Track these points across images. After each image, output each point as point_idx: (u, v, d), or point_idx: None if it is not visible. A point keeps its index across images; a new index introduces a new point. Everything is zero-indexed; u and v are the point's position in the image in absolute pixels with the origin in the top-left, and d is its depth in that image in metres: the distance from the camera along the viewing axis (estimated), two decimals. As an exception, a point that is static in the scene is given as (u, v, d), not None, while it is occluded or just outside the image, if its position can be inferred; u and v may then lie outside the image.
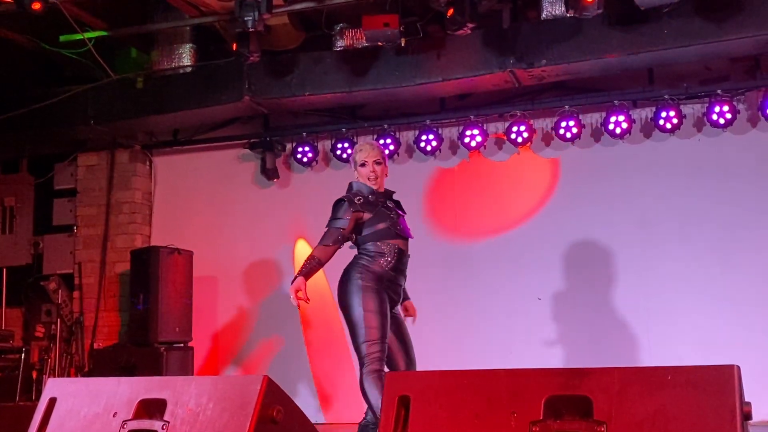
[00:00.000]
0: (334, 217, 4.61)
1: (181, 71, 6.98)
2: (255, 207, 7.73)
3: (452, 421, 2.25)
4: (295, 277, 4.56)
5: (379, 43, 6.13)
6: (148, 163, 8.08)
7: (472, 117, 6.95)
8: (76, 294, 7.80)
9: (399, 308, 4.72)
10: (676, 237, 6.61)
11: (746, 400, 2.09)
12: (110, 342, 7.54)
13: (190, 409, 2.57)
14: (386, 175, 4.79)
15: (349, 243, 4.75)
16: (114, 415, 2.70)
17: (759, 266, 6.40)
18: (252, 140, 7.63)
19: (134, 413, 2.68)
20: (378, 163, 4.71)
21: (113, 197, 7.89)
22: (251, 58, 6.02)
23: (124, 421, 2.67)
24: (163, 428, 2.59)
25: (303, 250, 7.45)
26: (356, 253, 4.68)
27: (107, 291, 7.77)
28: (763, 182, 6.49)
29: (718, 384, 2.07)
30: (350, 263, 4.64)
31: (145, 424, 2.65)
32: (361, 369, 4.44)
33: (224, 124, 7.75)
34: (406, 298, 4.79)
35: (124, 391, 2.75)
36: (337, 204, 4.63)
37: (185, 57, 6.95)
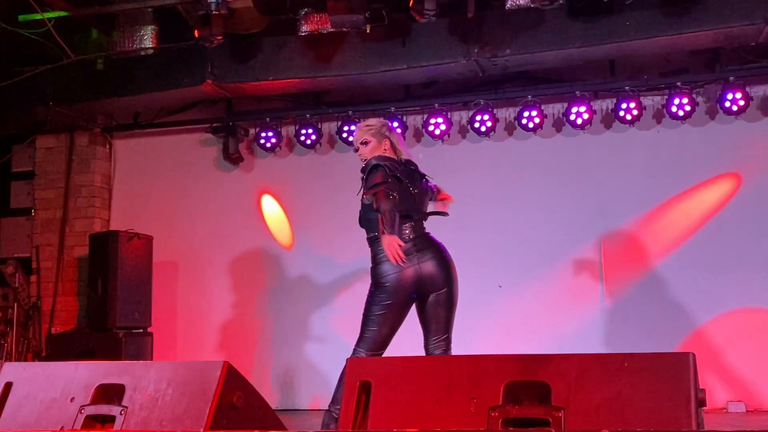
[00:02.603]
0: (378, 182, 4.46)
1: (143, 53, 6.87)
2: (216, 192, 7.68)
3: (412, 406, 2.27)
4: (388, 234, 4.35)
5: (345, 29, 6.10)
6: (107, 146, 7.97)
7: (436, 105, 6.97)
8: (33, 278, 7.68)
9: None
10: (636, 226, 6.70)
11: (702, 387, 2.12)
12: (68, 327, 7.46)
13: (149, 395, 2.55)
14: (364, 155, 4.70)
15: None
16: (71, 400, 2.67)
17: (715, 257, 6.52)
18: (214, 124, 7.56)
19: (92, 398, 2.65)
20: (364, 144, 4.69)
21: (72, 180, 7.78)
22: (214, 41, 5.96)
23: (82, 407, 2.64)
24: (121, 413, 2.56)
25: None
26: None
27: (65, 275, 7.67)
28: (720, 173, 6.60)
29: (674, 371, 2.11)
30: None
31: (103, 409, 2.62)
32: (450, 348, 4.57)
33: (186, 108, 7.67)
34: None
35: (82, 375, 2.71)
36: (374, 170, 4.53)
37: (147, 39, 6.84)
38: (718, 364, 6.19)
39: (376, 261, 4.53)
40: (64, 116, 7.43)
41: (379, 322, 4.46)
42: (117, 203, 7.94)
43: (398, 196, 4.45)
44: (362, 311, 4.56)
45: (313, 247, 7.34)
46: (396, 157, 4.68)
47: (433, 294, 4.54)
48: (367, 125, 4.77)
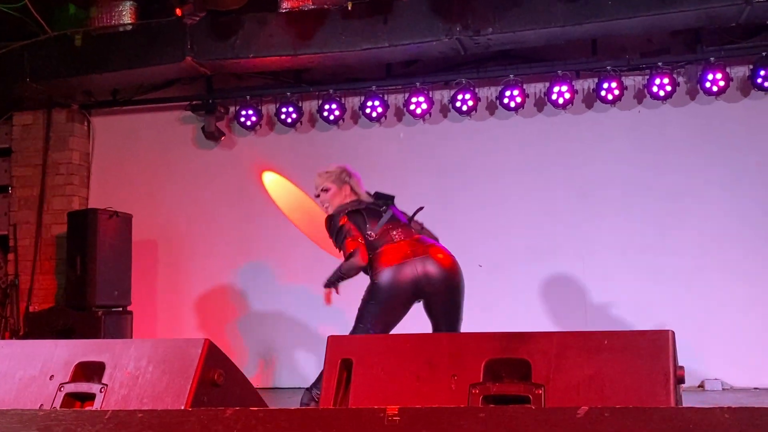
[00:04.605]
0: (338, 234, 4.78)
1: (121, 29, 6.79)
2: (196, 170, 7.63)
3: (393, 383, 2.27)
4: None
5: (326, 6, 6.06)
6: (86, 123, 7.90)
7: (417, 84, 6.95)
8: (11, 256, 7.62)
9: None
10: (616, 206, 6.74)
11: (679, 364, 2.14)
12: (46, 305, 7.41)
13: (129, 372, 2.54)
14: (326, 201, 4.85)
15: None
16: (51, 378, 2.65)
17: (695, 236, 6.57)
18: (194, 102, 7.50)
19: (71, 376, 2.63)
20: (325, 191, 4.84)
21: (50, 158, 7.70)
22: (196, 17, 5.89)
23: (61, 384, 2.62)
24: (101, 391, 2.55)
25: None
26: None
27: (43, 253, 7.61)
28: (700, 154, 6.65)
29: (653, 349, 2.12)
30: None
31: (82, 387, 2.60)
32: None
33: (165, 85, 7.60)
34: None
35: (62, 353, 2.69)
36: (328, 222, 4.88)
37: (125, 15, 6.77)
38: (695, 342, 6.25)
39: (371, 265, 4.64)
40: (41, 93, 7.35)
41: (372, 319, 4.52)
42: (95, 181, 7.88)
43: (367, 223, 4.66)
44: (360, 306, 4.64)
45: (294, 227, 7.31)
46: (356, 198, 4.83)
47: (437, 296, 4.59)
48: (327, 172, 4.90)
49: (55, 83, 7.16)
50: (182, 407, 2.33)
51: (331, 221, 4.72)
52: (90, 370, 2.63)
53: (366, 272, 4.70)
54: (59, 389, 2.61)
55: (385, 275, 4.53)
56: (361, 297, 4.67)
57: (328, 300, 4.73)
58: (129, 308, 7.09)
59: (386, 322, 4.55)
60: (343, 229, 4.63)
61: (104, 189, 7.77)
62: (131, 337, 6.96)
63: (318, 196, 4.87)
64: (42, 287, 7.58)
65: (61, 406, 2.56)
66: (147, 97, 7.72)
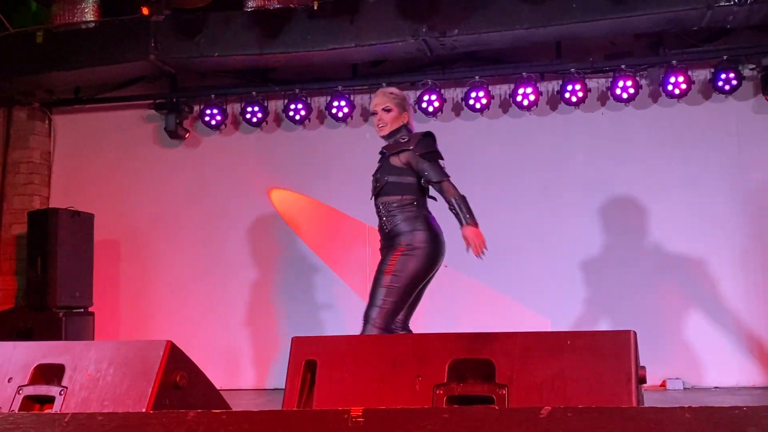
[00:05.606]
0: (437, 150, 4.54)
1: (84, 27, 6.70)
2: (159, 169, 7.56)
3: (358, 384, 2.27)
4: (472, 224, 4.37)
5: (292, 5, 6.04)
6: (47, 121, 7.78)
7: (383, 84, 6.93)
8: (-31, 256, 7.50)
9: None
10: (579, 206, 6.79)
11: (641, 364, 2.16)
12: (6, 306, 7.29)
13: (89, 375, 2.50)
14: (384, 121, 4.61)
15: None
16: (9, 381, 2.61)
17: (656, 236, 6.65)
18: (157, 101, 7.43)
19: (30, 378, 2.59)
20: (386, 110, 4.60)
21: (10, 156, 7.58)
22: (162, 15, 5.84)
23: (20, 387, 2.58)
24: (60, 394, 2.51)
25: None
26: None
27: (3, 254, 7.49)
28: (662, 155, 6.73)
29: (615, 349, 2.14)
30: None
31: (41, 389, 2.56)
32: None
33: (128, 84, 7.51)
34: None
35: (20, 355, 2.65)
36: (430, 136, 4.58)
37: (88, 12, 6.68)
38: (657, 342, 6.33)
39: (410, 227, 4.43)
40: (1, 90, 7.22)
41: (404, 291, 4.34)
42: (57, 180, 7.77)
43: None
44: (382, 279, 4.33)
45: (260, 225, 7.28)
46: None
47: (433, 277, 4.55)
48: (392, 93, 4.69)
49: (15, 81, 7.05)
50: (144, 410, 2.30)
51: (432, 137, 4.55)
52: (49, 373, 2.59)
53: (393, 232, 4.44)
54: (18, 392, 2.57)
55: (422, 248, 4.36)
56: (386, 268, 4.36)
57: (481, 246, 4.33)
58: (90, 309, 7.00)
59: (409, 299, 4.41)
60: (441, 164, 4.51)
61: (66, 188, 7.67)
62: (93, 339, 6.87)
63: (374, 113, 4.63)
64: (1, 288, 7.46)
65: (19, 409, 2.52)
66: (110, 95, 7.63)
